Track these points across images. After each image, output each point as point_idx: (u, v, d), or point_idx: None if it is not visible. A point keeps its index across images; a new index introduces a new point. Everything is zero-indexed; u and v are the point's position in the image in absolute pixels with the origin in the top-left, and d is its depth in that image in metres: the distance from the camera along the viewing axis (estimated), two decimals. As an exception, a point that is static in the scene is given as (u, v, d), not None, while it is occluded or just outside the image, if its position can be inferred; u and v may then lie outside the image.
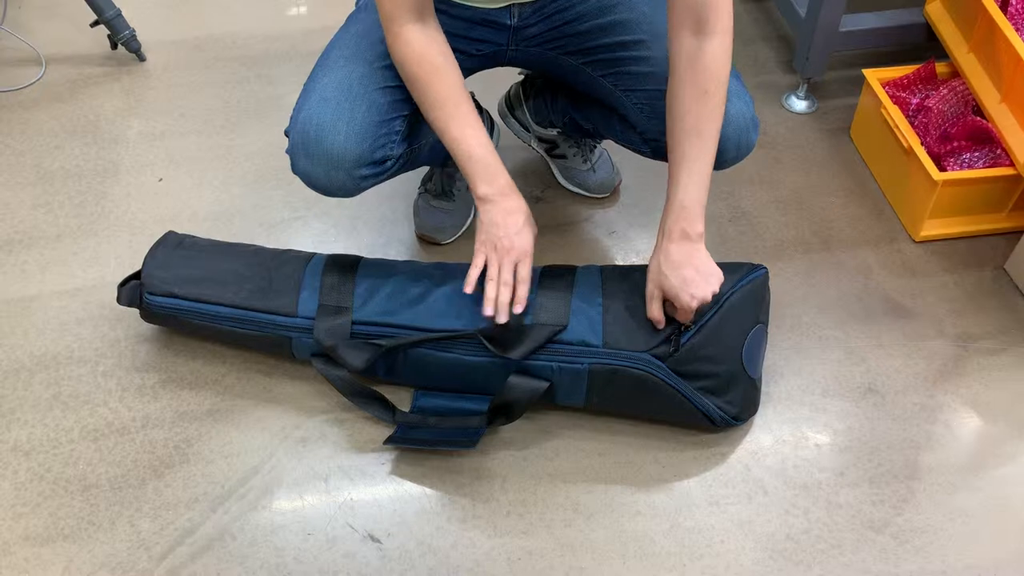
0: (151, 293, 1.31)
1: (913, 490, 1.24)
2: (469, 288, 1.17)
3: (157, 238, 1.39)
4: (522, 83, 1.58)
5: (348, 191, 1.22)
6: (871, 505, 1.22)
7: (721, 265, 1.28)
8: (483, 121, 1.50)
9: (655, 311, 1.20)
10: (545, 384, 1.23)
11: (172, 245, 1.37)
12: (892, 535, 1.19)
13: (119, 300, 1.34)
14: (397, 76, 1.19)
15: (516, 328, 1.22)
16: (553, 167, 1.64)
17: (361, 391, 1.28)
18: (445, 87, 1.15)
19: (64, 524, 1.19)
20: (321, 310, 1.27)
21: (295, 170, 1.22)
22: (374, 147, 1.19)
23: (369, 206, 1.59)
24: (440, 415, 1.28)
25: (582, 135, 1.55)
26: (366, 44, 1.22)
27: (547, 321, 1.22)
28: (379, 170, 1.22)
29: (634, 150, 1.36)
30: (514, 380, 1.22)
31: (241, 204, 1.62)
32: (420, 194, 1.57)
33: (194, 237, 1.40)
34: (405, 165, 1.28)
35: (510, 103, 1.61)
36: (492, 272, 1.16)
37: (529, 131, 1.60)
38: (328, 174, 1.19)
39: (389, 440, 1.25)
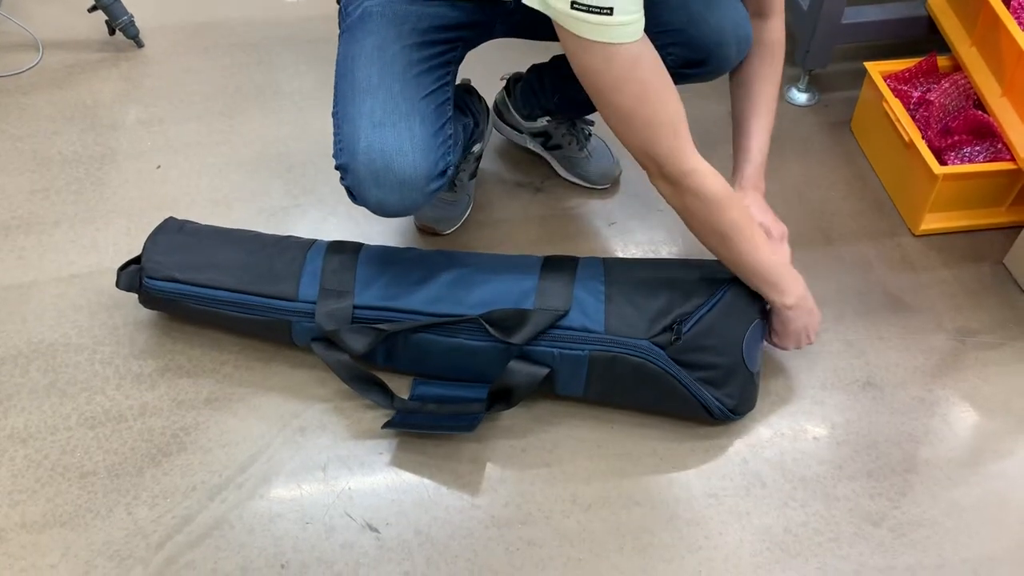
0: (151, 277, 1.30)
1: (911, 483, 1.24)
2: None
3: (155, 225, 1.38)
4: (504, 87, 1.59)
5: (417, 208, 1.21)
6: (869, 498, 1.23)
7: (717, 262, 1.29)
8: (481, 113, 1.50)
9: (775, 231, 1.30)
10: (545, 370, 1.23)
11: (172, 231, 1.36)
12: (889, 528, 1.20)
13: (118, 284, 1.33)
14: (430, 81, 1.19)
15: (518, 313, 1.22)
16: (552, 160, 1.63)
17: (361, 376, 1.28)
18: (746, 211, 1.18)
19: (61, 511, 1.19)
20: (323, 294, 1.27)
21: (362, 201, 1.19)
22: (437, 159, 1.18)
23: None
24: (439, 403, 1.28)
25: (576, 113, 1.54)
26: (390, 56, 1.19)
27: (549, 306, 1.22)
28: (443, 181, 1.21)
29: None
30: (514, 365, 1.22)
31: (240, 191, 1.61)
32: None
33: (194, 223, 1.39)
34: (458, 163, 1.29)
35: (498, 111, 1.61)
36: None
37: (522, 132, 1.60)
38: (403, 198, 1.17)
39: (388, 424, 1.25)
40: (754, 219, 1.19)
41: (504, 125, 1.62)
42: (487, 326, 1.21)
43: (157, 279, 1.30)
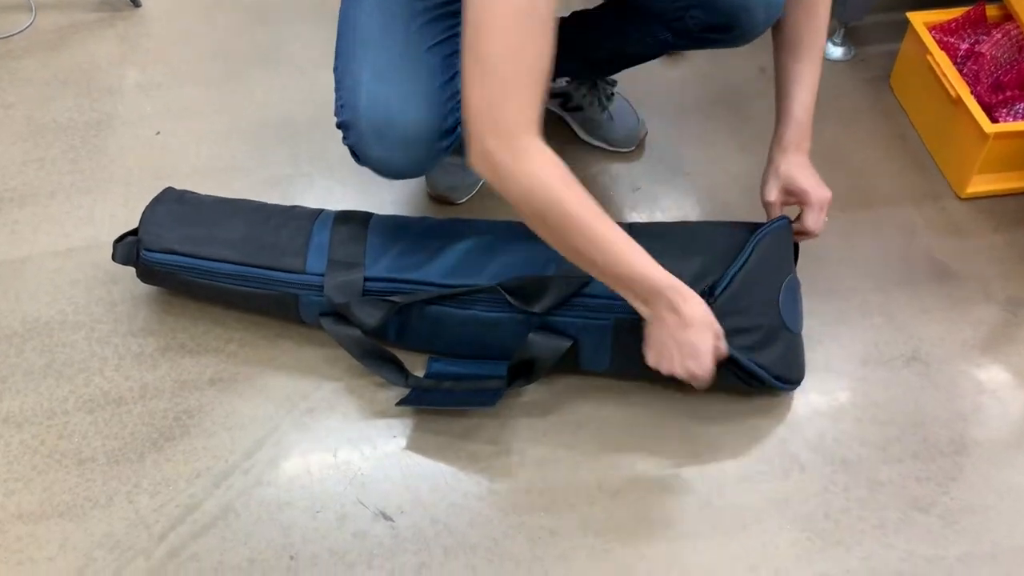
0: (148, 249, 1.23)
1: (961, 466, 1.16)
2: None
3: (155, 195, 1.31)
4: None
5: (423, 169, 1.14)
6: (916, 482, 1.15)
7: (735, 224, 1.22)
8: None
9: (772, 194, 1.22)
10: (568, 342, 1.15)
11: (171, 201, 1.29)
12: (939, 515, 1.12)
13: (114, 257, 1.26)
14: (437, 31, 1.10)
15: (538, 280, 1.14)
16: (572, 123, 1.54)
17: (373, 352, 1.21)
18: (592, 204, 0.98)
19: (59, 500, 1.13)
20: (331, 266, 1.20)
21: (365, 161, 1.12)
22: (445, 113, 1.10)
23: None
24: (457, 379, 1.21)
25: (595, 74, 1.45)
26: (393, 5, 1.12)
27: (572, 273, 1.14)
28: (451, 140, 1.13)
29: (655, 45, 1.28)
30: (535, 337, 1.15)
31: (243, 159, 1.53)
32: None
33: (194, 193, 1.32)
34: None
35: None
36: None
37: None
38: (407, 156, 1.10)
39: (403, 402, 1.18)
40: (600, 215, 0.98)
41: None
42: (506, 295, 1.13)
43: (155, 251, 1.23)
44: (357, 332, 1.19)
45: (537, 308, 1.13)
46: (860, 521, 1.11)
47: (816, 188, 1.20)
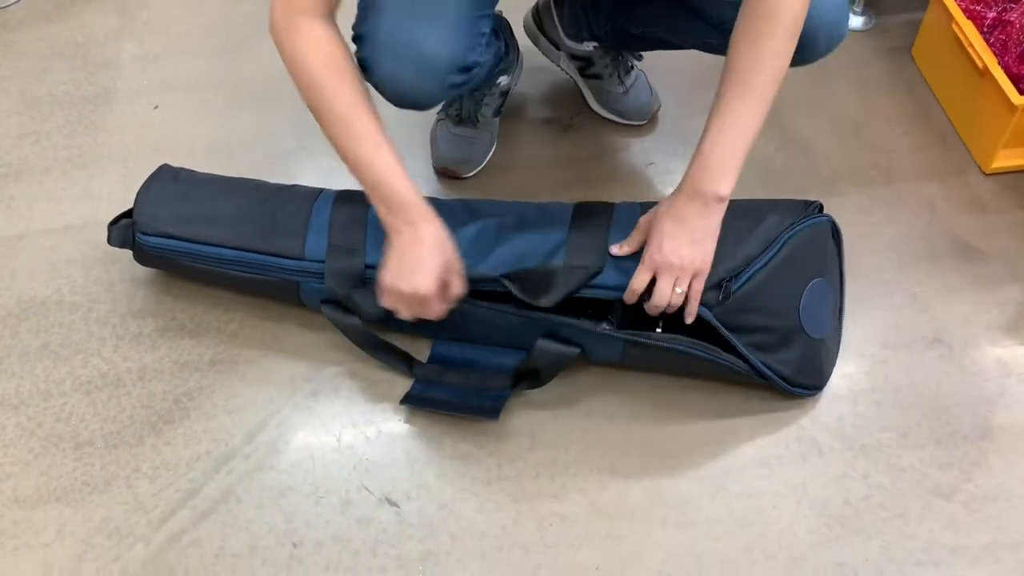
0: (144, 233, 1.19)
1: (985, 452, 1.12)
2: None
3: (152, 170, 1.27)
4: None
5: (431, 100, 1.08)
6: (938, 469, 1.11)
7: (775, 202, 1.16)
8: (512, 43, 1.36)
9: (628, 245, 1.09)
10: (576, 350, 1.12)
11: (167, 180, 1.25)
12: (962, 502, 1.08)
13: (110, 241, 1.22)
14: None
15: (544, 273, 1.10)
16: (585, 90, 1.49)
17: (375, 342, 1.17)
18: (355, 97, 1.00)
19: (56, 485, 1.10)
20: (331, 251, 1.15)
21: (375, 74, 1.05)
22: (468, 47, 1.05)
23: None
24: (461, 367, 1.17)
25: (625, 47, 1.40)
26: None
27: (580, 263, 1.10)
28: (466, 78, 1.08)
29: (698, 44, 1.21)
30: (543, 344, 1.11)
31: (242, 134, 1.49)
32: (439, 120, 1.43)
33: (190, 171, 1.27)
34: (480, 78, 1.14)
35: (538, 18, 1.45)
36: (402, 316, 1.07)
37: (559, 48, 1.45)
38: (418, 78, 1.04)
39: (405, 400, 1.15)
40: (358, 109, 1.00)
41: (540, 37, 1.46)
42: (509, 286, 1.09)
43: (150, 235, 1.19)
44: (359, 321, 1.15)
45: (544, 302, 1.09)
46: (880, 508, 1.08)
47: (655, 249, 1.04)
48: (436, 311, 1.06)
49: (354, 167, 1.02)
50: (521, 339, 1.13)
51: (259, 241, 1.17)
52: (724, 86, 1.01)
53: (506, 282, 1.09)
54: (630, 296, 1.07)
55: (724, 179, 1.01)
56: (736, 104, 0.99)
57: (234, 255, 1.17)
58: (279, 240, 1.17)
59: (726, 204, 1.03)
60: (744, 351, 1.08)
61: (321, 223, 1.17)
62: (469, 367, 1.18)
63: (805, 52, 1.09)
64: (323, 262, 1.15)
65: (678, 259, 1.03)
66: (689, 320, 1.06)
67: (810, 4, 1.00)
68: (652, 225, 1.06)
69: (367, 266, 1.14)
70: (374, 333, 1.17)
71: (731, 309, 1.07)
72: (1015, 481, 1.10)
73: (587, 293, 1.10)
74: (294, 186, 1.24)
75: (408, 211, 1.02)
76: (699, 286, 1.05)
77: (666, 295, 1.04)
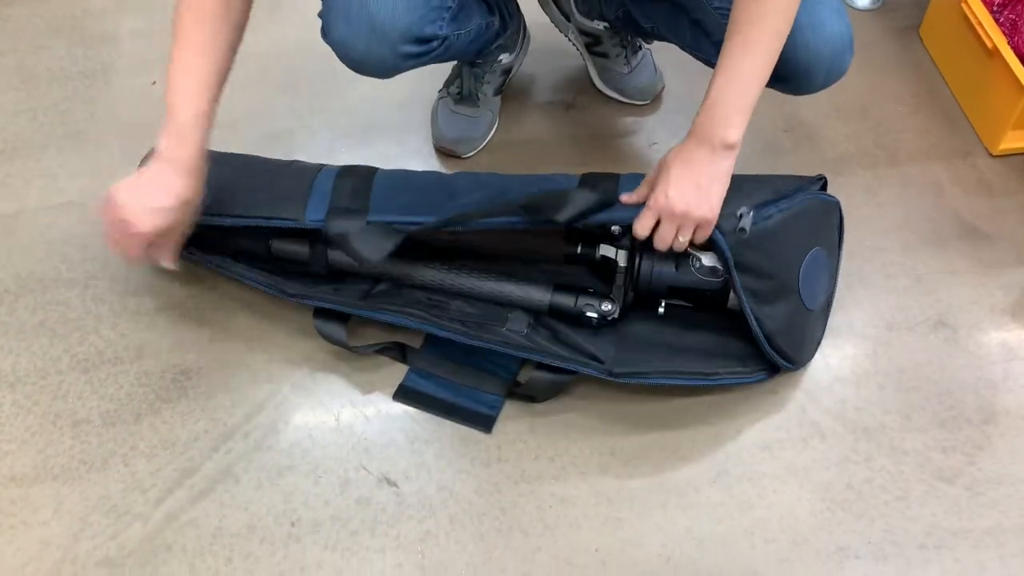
0: None
1: (988, 436, 1.12)
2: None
3: (150, 148, 1.25)
4: None
5: (385, 69, 1.07)
6: (941, 452, 1.10)
7: (784, 176, 1.14)
8: (514, 20, 1.34)
9: (637, 194, 1.06)
10: (568, 378, 1.11)
11: None
12: (965, 486, 1.07)
13: None
14: None
15: (558, 194, 1.08)
16: (591, 67, 1.47)
17: (368, 347, 1.16)
18: (199, 38, 1.02)
19: (53, 463, 1.10)
20: (332, 212, 1.13)
21: (328, 37, 1.06)
22: (424, 20, 1.04)
23: (381, 113, 1.44)
24: (457, 363, 1.16)
25: (634, 33, 1.38)
26: None
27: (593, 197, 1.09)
28: (423, 50, 1.07)
29: (703, 60, 1.19)
30: (537, 375, 1.11)
31: (242, 111, 1.46)
32: (440, 98, 1.41)
33: None
34: (446, 52, 1.13)
35: None
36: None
37: (570, 20, 1.43)
38: (368, 45, 1.03)
39: (399, 393, 1.15)
40: (197, 30, 1.03)
41: (552, 7, 1.44)
42: (525, 211, 1.08)
43: None
44: (345, 335, 1.14)
45: (561, 217, 1.06)
46: (882, 492, 1.07)
47: (661, 194, 1.02)
48: (136, 250, 1.04)
49: (167, 75, 1.02)
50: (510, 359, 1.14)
51: (258, 208, 1.15)
52: (728, 40, 1.00)
53: (523, 209, 1.08)
54: (637, 235, 1.06)
55: (732, 126, 0.99)
56: (740, 58, 0.99)
57: (234, 223, 1.16)
58: (279, 206, 1.15)
59: (735, 153, 1.01)
60: (740, 293, 1.06)
61: (323, 192, 1.16)
62: (465, 352, 1.17)
63: (799, 84, 1.08)
64: (323, 221, 1.13)
65: (683, 205, 1.00)
66: (699, 240, 1.04)
67: (809, 33, 1.01)
68: (659, 171, 1.04)
69: (368, 223, 1.12)
70: (367, 344, 1.16)
71: (741, 243, 1.05)
72: (1019, 465, 1.09)
73: (601, 218, 1.08)
74: (295, 162, 1.23)
75: (183, 150, 1.03)
76: (703, 235, 1.03)
77: (667, 240, 1.03)
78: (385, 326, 1.17)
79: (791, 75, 1.07)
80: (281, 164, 1.23)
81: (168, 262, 1.10)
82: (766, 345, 1.10)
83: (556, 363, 1.10)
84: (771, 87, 1.07)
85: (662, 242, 1.04)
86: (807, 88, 1.10)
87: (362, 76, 1.10)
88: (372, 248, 1.10)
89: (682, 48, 1.23)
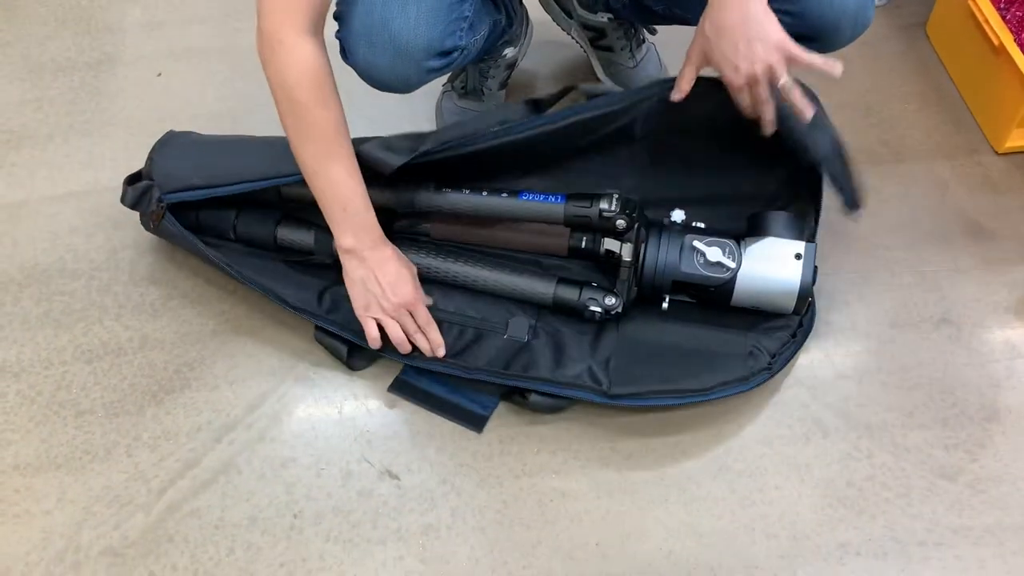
0: (169, 191, 1.17)
1: (991, 434, 1.12)
2: (376, 344, 1.11)
3: (156, 138, 1.25)
4: None
5: (409, 85, 1.08)
6: (943, 450, 1.10)
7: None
8: (518, 14, 1.34)
9: (685, 80, 1.08)
10: (566, 403, 1.12)
11: (177, 143, 1.24)
12: (967, 484, 1.07)
13: (123, 200, 1.20)
14: None
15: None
16: (595, 61, 1.47)
17: (371, 355, 1.16)
18: (334, 119, 1.02)
19: (57, 453, 1.10)
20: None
21: (350, 60, 1.06)
22: (444, 33, 1.05)
23: (385, 106, 1.43)
24: (454, 356, 1.15)
25: (640, 20, 1.37)
26: None
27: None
28: (445, 62, 1.08)
29: None
30: (536, 400, 1.11)
31: (247, 102, 1.47)
32: (444, 93, 1.41)
33: (197, 133, 1.27)
34: (464, 60, 1.14)
35: None
36: (397, 336, 1.10)
37: (572, 17, 1.42)
38: (393, 65, 1.04)
39: (394, 386, 1.15)
40: (344, 139, 1.03)
41: (553, 4, 1.44)
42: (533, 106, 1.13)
43: (176, 191, 1.16)
44: (346, 351, 1.15)
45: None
46: (884, 489, 1.07)
47: (729, 71, 1.02)
48: (426, 315, 1.10)
49: (324, 191, 1.04)
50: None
51: (280, 167, 1.14)
52: None
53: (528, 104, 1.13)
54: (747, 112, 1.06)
55: None
56: None
57: (255, 186, 1.15)
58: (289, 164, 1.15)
59: None
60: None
61: None
62: (464, 325, 1.17)
63: (828, 41, 1.08)
64: None
65: (758, 62, 1.00)
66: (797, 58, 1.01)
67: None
68: (704, 49, 1.04)
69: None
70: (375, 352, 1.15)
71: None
72: (1021, 463, 1.09)
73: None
74: None
75: (373, 236, 1.07)
76: (797, 54, 1.01)
77: (765, 97, 1.03)
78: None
79: (819, 33, 1.08)
80: (282, 138, 1.23)
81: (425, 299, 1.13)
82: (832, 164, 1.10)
83: (552, 391, 1.10)
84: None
85: (769, 110, 1.04)
86: (835, 44, 1.10)
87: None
88: (390, 155, 1.10)
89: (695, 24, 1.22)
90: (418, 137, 1.12)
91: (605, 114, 1.14)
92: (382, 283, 1.07)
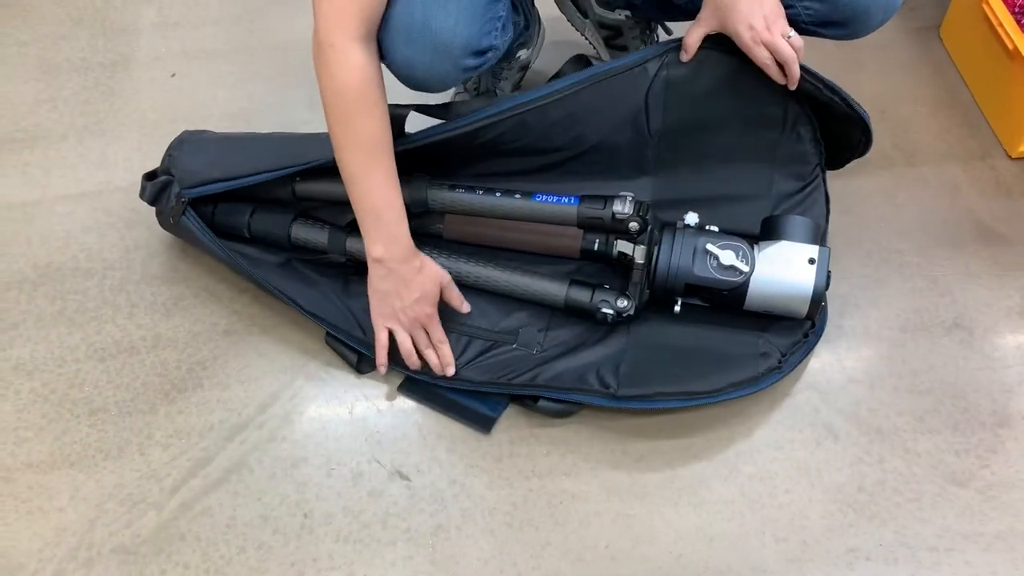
0: (188, 187, 1.17)
1: (1002, 439, 1.11)
2: (383, 368, 1.12)
3: (169, 138, 1.26)
4: None
5: (446, 84, 1.09)
6: (954, 455, 1.10)
7: None
8: (533, 16, 1.34)
9: (693, 37, 1.11)
10: (575, 408, 1.12)
11: (194, 140, 1.25)
12: (977, 490, 1.07)
13: (142, 194, 1.21)
14: None
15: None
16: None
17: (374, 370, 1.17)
18: (378, 128, 1.03)
19: (70, 450, 1.11)
20: None
21: (389, 58, 1.06)
22: (482, 32, 1.06)
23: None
24: (462, 367, 1.15)
25: (661, 16, 1.37)
26: None
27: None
28: (480, 61, 1.09)
29: None
30: (545, 404, 1.11)
31: (259, 103, 1.48)
32: (457, 94, 1.41)
33: (213, 132, 1.28)
34: (495, 60, 1.15)
35: None
36: (406, 348, 1.11)
37: (587, 16, 1.42)
38: (432, 63, 1.05)
39: (403, 385, 1.16)
40: (387, 149, 1.04)
41: (568, 3, 1.44)
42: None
43: (195, 186, 1.17)
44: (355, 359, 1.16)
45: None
46: (895, 494, 1.07)
47: (747, 36, 1.06)
48: (440, 332, 1.11)
49: (361, 197, 1.05)
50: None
51: (300, 157, 1.16)
52: None
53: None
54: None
55: None
56: None
57: (274, 175, 1.17)
58: (319, 152, 1.16)
59: None
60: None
61: None
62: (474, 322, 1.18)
63: (858, 25, 1.10)
64: None
65: (777, 23, 1.05)
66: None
67: None
68: (719, 13, 1.07)
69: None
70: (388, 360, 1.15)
71: None
72: (1032, 469, 1.09)
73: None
74: (322, 133, 1.24)
75: (403, 248, 1.07)
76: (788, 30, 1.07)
77: (787, 48, 1.06)
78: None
79: (850, 18, 1.09)
80: (308, 136, 1.24)
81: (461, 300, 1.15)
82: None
83: (561, 396, 1.11)
84: (829, 34, 1.12)
85: (793, 60, 1.06)
86: (865, 29, 1.12)
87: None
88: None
89: None
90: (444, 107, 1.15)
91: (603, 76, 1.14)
92: (404, 297, 1.08)
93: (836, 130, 1.19)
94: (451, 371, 1.12)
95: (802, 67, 1.09)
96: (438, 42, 1.03)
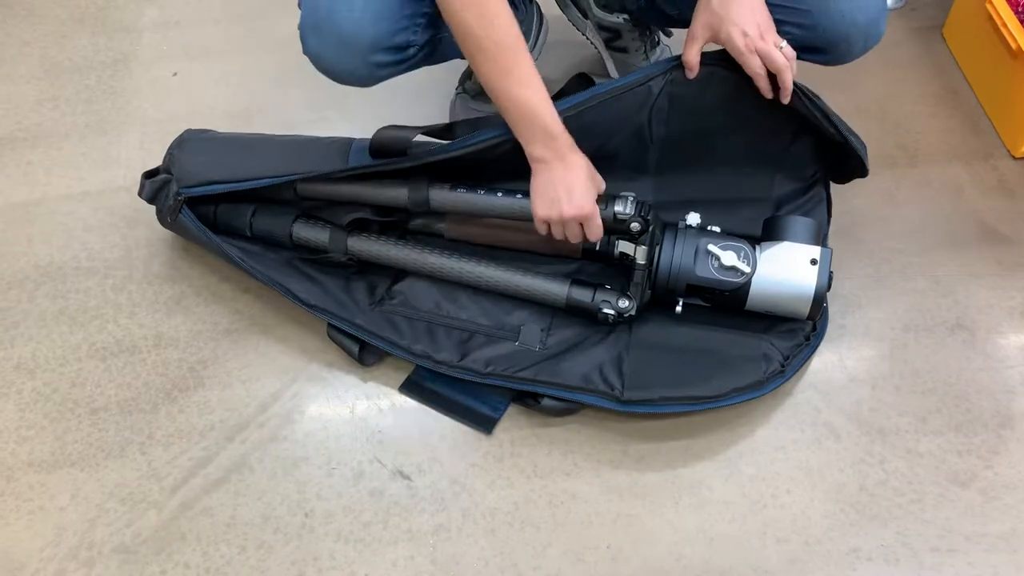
0: (188, 186, 1.17)
1: (1004, 440, 1.11)
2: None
3: (171, 138, 1.26)
4: None
5: (361, 79, 1.08)
6: (956, 456, 1.10)
7: None
8: (533, 17, 1.34)
9: (691, 53, 1.08)
10: (577, 407, 1.12)
11: (197, 139, 1.25)
12: (980, 490, 1.07)
13: (141, 193, 1.21)
14: None
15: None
16: (609, 63, 1.47)
17: (378, 350, 1.17)
18: (501, 34, 1.00)
19: (71, 450, 1.11)
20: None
21: (305, 50, 1.07)
22: (394, 30, 1.04)
23: (398, 106, 1.44)
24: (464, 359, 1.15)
25: (655, 23, 1.37)
26: None
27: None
28: (399, 58, 1.07)
29: None
30: (548, 404, 1.11)
31: (261, 102, 1.48)
32: (458, 94, 1.41)
33: (216, 131, 1.27)
34: (429, 56, 1.13)
35: None
36: (558, 236, 1.08)
37: (587, 18, 1.42)
38: (339, 57, 1.05)
39: (404, 386, 1.16)
40: (524, 44, 1.02)
41: (569, 5, 1.44)
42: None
43: (194, 186, 1.17)
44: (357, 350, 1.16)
45: None
46: (897, 495, 1.07)
47: (740, 41, 1.05)
48: (598, 229, 1.07)
49: (504, 107, 1.03)
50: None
51: (303, 164, 1.16)
52: None
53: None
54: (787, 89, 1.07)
55: None
56: None
57: (276, 181, 1.17)
58: (321, 161, 1.17)
59: None
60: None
61: (362, 146, 1.17)
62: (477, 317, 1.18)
63: (839, 54, 1.09)
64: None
65: (769, 33, 1.04)
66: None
67: (844, 2, 1.02)
68: (711, 24, 1.06)
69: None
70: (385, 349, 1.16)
71: None
72: (1035, 470, 1.09)
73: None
74: (325, 136, 1.24)
75: (560, 144, 1.04)
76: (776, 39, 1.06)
77: (780, 57, 1.05)
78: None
79: (831, 45, 1.08)
80: (311, 139, 1.24)
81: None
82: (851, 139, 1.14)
83: (564, 395, 1.10)
84: (811, 59, 1.10)
85: (785, 67, 1.05)
86: (846, 57, 1.11)
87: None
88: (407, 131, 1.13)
89: None
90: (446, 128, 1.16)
91: (610, 97, 1.13)
92: (562, 191, 1.04)
93: (834, 155, 1.19)
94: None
95: (803, 91, 1.08)
96: (343, 37, 1.03)
